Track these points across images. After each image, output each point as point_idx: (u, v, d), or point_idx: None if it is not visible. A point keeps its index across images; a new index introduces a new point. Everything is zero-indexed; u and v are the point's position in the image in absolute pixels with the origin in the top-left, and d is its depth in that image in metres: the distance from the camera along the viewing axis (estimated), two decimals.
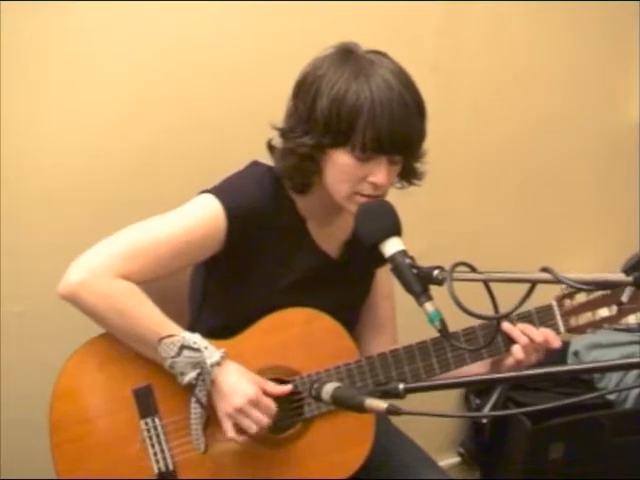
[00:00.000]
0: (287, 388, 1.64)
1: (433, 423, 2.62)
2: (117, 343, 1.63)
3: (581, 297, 1.69)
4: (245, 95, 2.17)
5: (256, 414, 1.59)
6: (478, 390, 2.67)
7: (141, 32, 2.07)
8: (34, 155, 2.02)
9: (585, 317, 1.69)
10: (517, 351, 1.67)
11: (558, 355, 2.66)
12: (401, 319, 1.93)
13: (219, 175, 1.72)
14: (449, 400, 2.74)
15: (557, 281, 1.12)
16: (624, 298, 1.36)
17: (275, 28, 2.18)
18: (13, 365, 2.06)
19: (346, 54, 1.61)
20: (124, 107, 2.08)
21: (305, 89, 1.61)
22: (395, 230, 1.39)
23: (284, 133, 1.66)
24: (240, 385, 1.58)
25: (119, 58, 2.05)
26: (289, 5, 2.16)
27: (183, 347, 1.56)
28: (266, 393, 1.62)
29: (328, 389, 1.28)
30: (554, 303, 1.71)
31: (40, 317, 2.03)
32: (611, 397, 2.62)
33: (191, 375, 1.57)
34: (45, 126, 2.02)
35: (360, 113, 1.53)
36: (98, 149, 2.07)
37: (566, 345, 2.75)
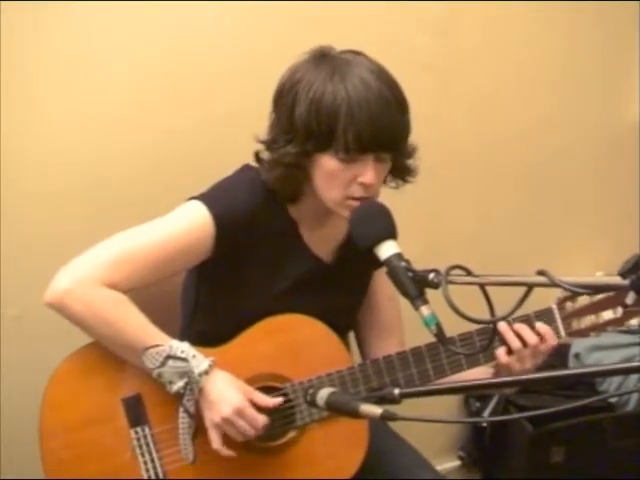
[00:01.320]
0: (277, 401, 1.62)
1: (433, 427, 2.60)
2: (106, 352, 1.62)
3: (583, 299, 1.65)
4: (246, 96, 2.16)
5: (242, 424, 1.57)
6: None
7: (141, 33, 2.07)
8: (33, 157, 2.02)
9: (588, 320, 1.66)
10: (501, 355, 1.64)
11: (559, 357, 2.67)
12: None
13: (220, 177, 1.71)
14: (449, 404, 2.73)
15: (553, 284, 1.11)
16: (628, 300, 1.33)
17: (273, 28, 2.18)
18: (11, 368, 2.06)
19: (321, 57, 1.59)
20: (124, 108, 2.08)
21: (283, 98, 1.60)
22: (390, 233, 1.38)
23: (268, 145, 1.65)
24: (227, 394, 1.57)
25: (119, 58, 2.06)
26: (286, 5, 2.16)
27: (169, 357, 1.55)
28: (255, 404, 1.60)
29: (323, 394, 1.27)
30: (554, 306, 1.68)
31: (37, 320, 2.00)
32: (612, 400, 2.61)
33: (179, 384, 1.56)
34: (44, 127, 2.02)
35: (338, 114, 1.52)
36: (97, 151, 2.07)
37: (567, 347, 2.74)
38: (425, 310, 1.27)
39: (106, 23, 2.01)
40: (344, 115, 1.52)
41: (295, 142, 1.58)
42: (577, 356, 2.72)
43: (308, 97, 1.55)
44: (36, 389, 1.62)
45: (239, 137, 2.04)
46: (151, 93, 2.10)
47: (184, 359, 1.55)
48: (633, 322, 1.63)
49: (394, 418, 1.16)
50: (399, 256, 1.34)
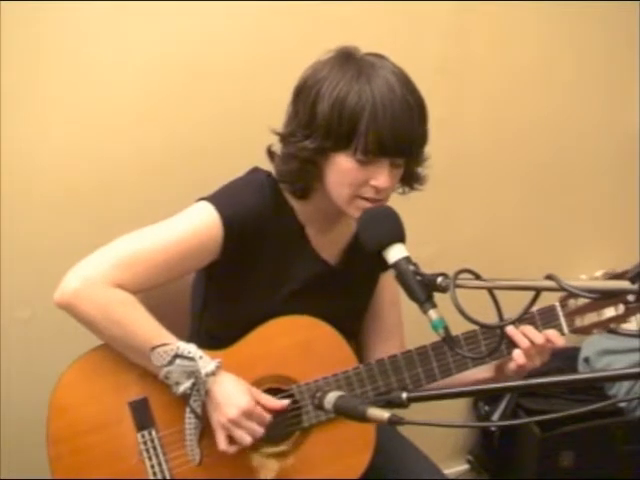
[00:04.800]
0: (284, 402, 1.63)
1: (441, 431, 2.60)
2: (112, 355, 1.62)
3: None
4: (251, 98, 2.16)
5: (249, 425, 1.57)
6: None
7: (145, 33, 2.06)
8: (39, 158, 2.02)
9: (591, 317, 1.66)
10: (518, 356, 1.65)
11: (569, 361, 2.67)
12: (407, 326, 1.91)
13: (225, 178, 1.71)
14: (457, 407, 2.72)
15: (561, 289, 1.10)
16: (630, 297, 1.33)
17: (280, 30, 2.17)
18: (19, 370, 2.06)
19: (346, 57, 1.60)
20: (127, 110, 2.08)
21: (305, 93, 1.60)
22: (399, 236, 1.37)
23: (284, 138, 1.65)
24: (234, 396, 1.57)
25: (122, 60, 2.05)
26: (293, 6, 2.15)
27: (176, 356, 1.55)
28: (262, 406, 1.60)
29: (330, 398, 1.27)
30: (557, 304, 1.69)
31: (46, 323, 2.03)
32: (622, 405, 2.59)
33: (186, 385, 1.56)
34: (47, 129, 2.01)
35: (362, 115, 1.52)
36: (103, 152, 2.07)
37: (577, 351, 2.73)
38: (433, 314, 1.26)
39: (110, 23, 2.00)
40: (367, 116, 1.52)
41: (313, 138, 1.58)
42: (587, 360, 2.71)
43: (332, 95, 1.54)
44: (45, 392, 1.61)
45: (245, 139, 2.06)
46: (156, 95, 2.09)
47: (191, 358, 1.55)
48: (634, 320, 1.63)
49: (401, 422, 1.16)
50: (407, 259, 1.33)
